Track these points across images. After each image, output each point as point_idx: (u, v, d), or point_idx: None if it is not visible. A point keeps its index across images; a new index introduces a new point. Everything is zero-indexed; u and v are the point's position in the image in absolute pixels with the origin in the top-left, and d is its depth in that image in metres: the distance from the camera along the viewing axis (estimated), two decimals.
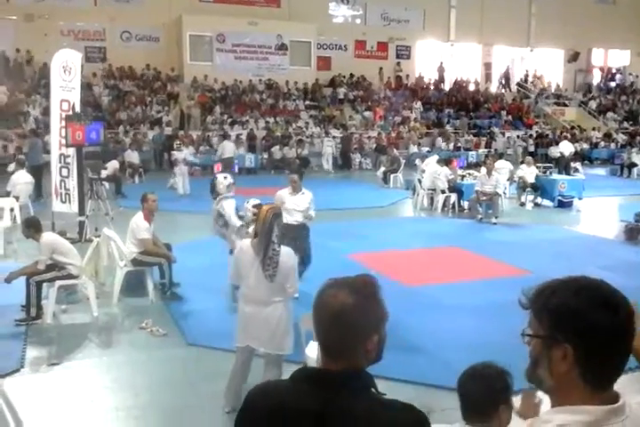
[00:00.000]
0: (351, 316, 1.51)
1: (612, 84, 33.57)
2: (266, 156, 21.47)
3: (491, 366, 2.60)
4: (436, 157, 14.87)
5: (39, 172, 13.30)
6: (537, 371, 1.37)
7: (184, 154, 16.01)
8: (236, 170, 16.98)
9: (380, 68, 28.63)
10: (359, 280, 1.58)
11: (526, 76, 31.62)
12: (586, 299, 1.31)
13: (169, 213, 11.65)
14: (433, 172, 13.49)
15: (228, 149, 16.30)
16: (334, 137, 23.06)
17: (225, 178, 7.19)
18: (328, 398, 1.48)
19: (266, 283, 4.15)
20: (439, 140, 24.19)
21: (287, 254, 4.21)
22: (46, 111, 16.03)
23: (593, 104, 30.73)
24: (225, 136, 17.91)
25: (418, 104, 27.10)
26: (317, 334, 1.58)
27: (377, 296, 1.57)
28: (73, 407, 4.64)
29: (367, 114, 25.87)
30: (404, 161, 18.71)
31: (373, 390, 1.53)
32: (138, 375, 5.26)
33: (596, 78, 33.89)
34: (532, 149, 25.04)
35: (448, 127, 26.17)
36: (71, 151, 9.63)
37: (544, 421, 1.34)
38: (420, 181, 14.05)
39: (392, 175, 17.31)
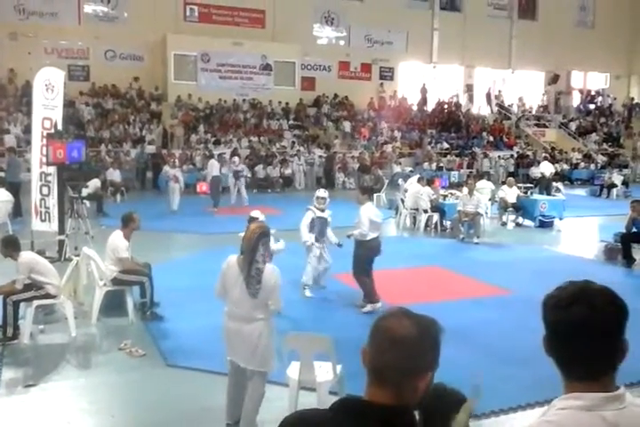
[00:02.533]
0: (412, 345, 1.46)
1: (591, 106, 34.17)
2: (249, 175, 21.46)
3: (453, 389, 2.63)
4: (416, 177, 14.97)
5: (17, 189, 13.16)
6: None
7: (175, 171, 16.13)
8: (221, 189, 17.03)
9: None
10: (427, 318, 1.54)
11: (519, 99, 32.05)
12: (553, 296, 1.53)
13: (150, 233, 11.57)
14: (415, 191, 13.57)
15: (214, 168, 16.44)
16: (320, 156, 23.18)
17: (325, 191, 8.27)
18: None
19: (249, 299, 4.18)
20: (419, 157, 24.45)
21: (271, 272, 4.24)
22: (28, 129, 15.96)
23: (572, 126, 31.21)
24: (212, 155, 18.15)
25: (384, 124, 27.26)
26: (372, 358, 1.50)
27: (439, 339, 1.52)
28: None
29: (347, 125, 26.07)
30: (386, 181, 18.79)
31: None
32: (115, 397, 5.17)
33: (576, 100, 34.50)
34: (511, 169, 25.30)
35: (430, 148, 26.39)
36: (52, 169, 9.56)
37: (551, 406, 1.52)
38: (402, 201, 14.12)
39: (375, 195, 17.36)
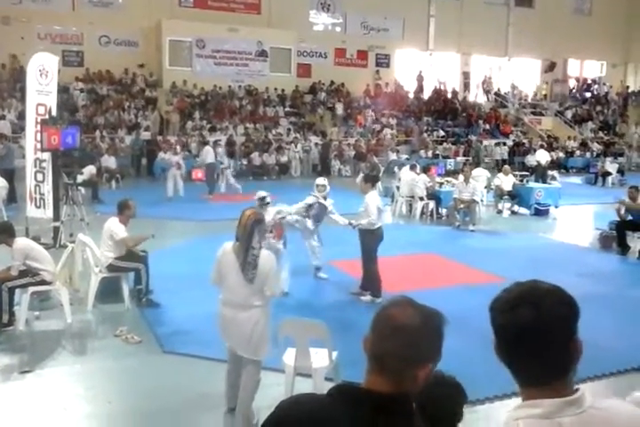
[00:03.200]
0: (414, 333, 1.46)
1: (587, 94, 34.13)
2: (245, 162, 21.42)
3: (449, 376, 2.62)
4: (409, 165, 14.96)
5: (11, 176, 13.10)
6: None
7: (177, 158, 16.18)
8: (216, 176, 16.99)
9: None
10: (431, 309, 1.54)
11: (513, 87, 31.96)
12: (498, 299, 1.47)
13: (145, 220, 11.54)
14: (410, 179, 13.57)
15: (210, 154, 16.41)
16: (316, 144, 23.12)
17: (324, 179, 8.37)
18: (366, 421, 1.40)
19: (245, 286, 4.19)
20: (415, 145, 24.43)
21: (266, 258, 4.26)
22: (22, 115, 15.84)
23: (569, 114, 31.18)
24: (206, 142, 18.14)
25: (378, 111, 27.12)
26: (373, 344, 1.50)
27: (442, 330, 1.51)
28: (45, 416, 4.56)
29: (339, 108, 25.97)
30: (382, 168, 18.76)
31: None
32: (112, 383, 5.19)
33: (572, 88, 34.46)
34: (505, 156, 25.12)
35: (426, 135, 26.35)
36: (46, 156, 9.50)
37: (508, 417, 1.45)
38: (398, 188, 14.11)
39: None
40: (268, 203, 7.30)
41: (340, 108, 26.32)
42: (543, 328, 1.39)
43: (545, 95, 32.72)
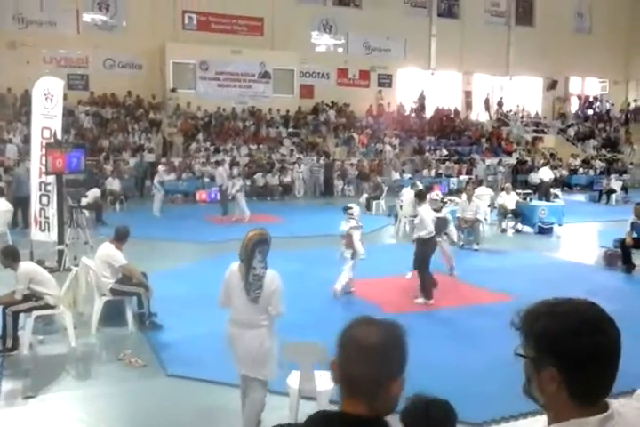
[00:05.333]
0: (380, 352, 1.47)
1: (590, 111, 34.25)
2: (248, 183, 21.45)
3: (435, 400, 2.58)
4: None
5: (25, 202, 13.09)
6: (531, 388, 1.44)
7: (157, 178, 17.04)
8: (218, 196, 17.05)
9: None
10: (392, 322, 1.56)
11: (500, 103, 32.15)
12: (566, 324, 1.38)
13: (148, 241, 11.57)
14: (411, 199, 13.57)
15: (224, 176, 16.63)
16: (319, 163, 23.17)
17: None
18: None
19: (250, 305, 4.23)
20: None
21: (271, 277, 4.28)
22: (27, 139, 15.93)
23: (571, 131, 31.26)
24: (219, 164, 18.18)
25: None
26: (342, 369, 1.50)
27: (404, 340, 1.54)
28: None
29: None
30: (386, 188, 18.79)
31: None
32: (115, 408, 5.15)
33: (574, 106, 34.58)
34: (508, 176, 24.94)
35: (429, 154, 26.40)
36: (51, 179, 9.55)
37: None
38: (401, 208, 14.10)
39: (374, 202, 17.37)
40: (351, 214, 8.21)
41: (332, 116, 26.58)
42: (615, 352, 1.39)
43: (563, 114, 32.72)
